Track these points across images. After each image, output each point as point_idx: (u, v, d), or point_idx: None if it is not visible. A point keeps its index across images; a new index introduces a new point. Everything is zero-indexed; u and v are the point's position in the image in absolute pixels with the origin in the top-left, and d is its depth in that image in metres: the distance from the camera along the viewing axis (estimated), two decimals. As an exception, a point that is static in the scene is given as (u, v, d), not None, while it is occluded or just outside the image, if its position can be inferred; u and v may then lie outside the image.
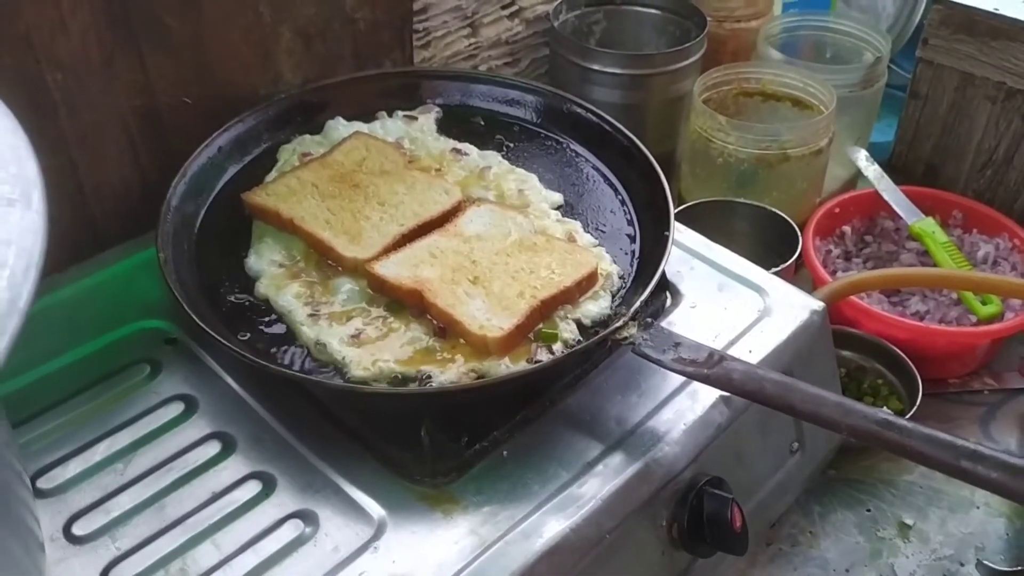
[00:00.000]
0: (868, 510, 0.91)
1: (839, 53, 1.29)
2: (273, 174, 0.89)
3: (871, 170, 1.17)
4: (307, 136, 0.93)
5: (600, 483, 0.68)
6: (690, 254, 0.89)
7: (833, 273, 1.09)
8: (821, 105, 1.12)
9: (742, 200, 1.08)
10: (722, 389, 0.69)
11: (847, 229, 1.15)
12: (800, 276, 1.07)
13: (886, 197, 1.14)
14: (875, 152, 1.24)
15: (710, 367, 0.68)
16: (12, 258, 0.36)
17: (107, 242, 0.88)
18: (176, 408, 0.75)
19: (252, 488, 0.69)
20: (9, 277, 0.35)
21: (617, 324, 0.72)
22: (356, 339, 0.74)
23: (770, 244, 1.06)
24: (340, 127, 0.94)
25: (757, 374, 0.66)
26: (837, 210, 1.14)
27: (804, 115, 1.15)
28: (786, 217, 1.05)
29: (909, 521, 0.91)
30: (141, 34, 0.84)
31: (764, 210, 1.07)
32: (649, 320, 0.73)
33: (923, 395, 0.97)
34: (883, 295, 1.08)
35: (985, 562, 0.86)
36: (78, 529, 0.66)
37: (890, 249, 1.15)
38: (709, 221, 1.02)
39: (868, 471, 0.95)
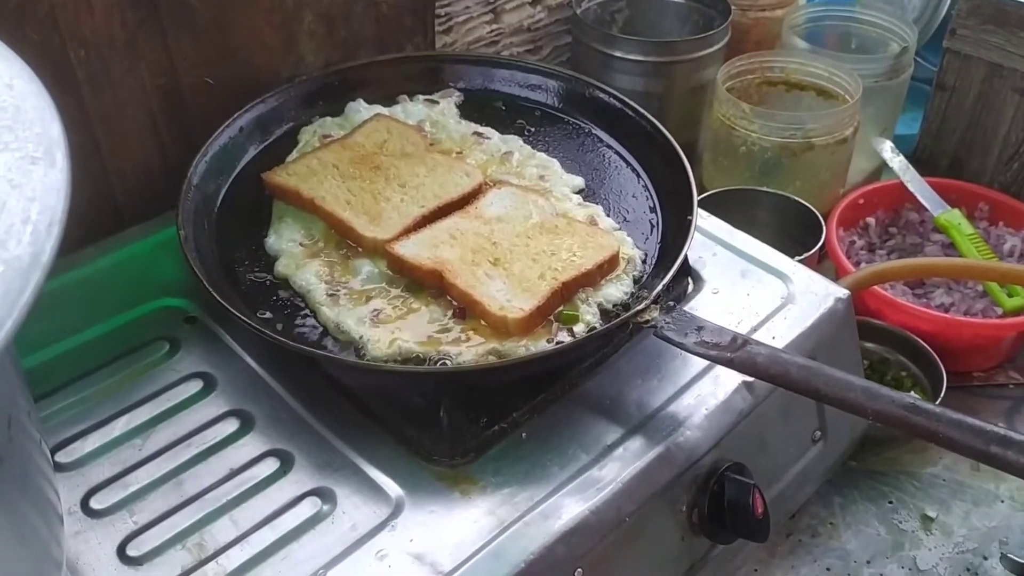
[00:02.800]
0: (890, 502, 0.90)
1: (864, 44, 1.28)
2: (294, 155, 0.89)
3: (896, 161, 1.16)
4: (328, 118, 0.93)
5: (620, 466, 0.68)
6: (713, 240, 0.88)
7: (857, 264, 1.08)
8: (846, 94, 1.11)
9: (765, 189, 1.07)
10: (746, 373, 0.68)
11: (871, 220, 1.14)
12: (823, 267, 1.05)
13: (911, 188, 1.13)
14: (899, 145, 1.22)
15: (733, 351, 0.67)
16: (35, 214, 0.36)
17: (128, 221, 0.88)
18: (195, 385, 0.75)
19: (270, 465, 0.69)
20: (32, 233, 0.35)
21: (639, 307, 0.72)
22: (375, 319, 0.74)
23: (793, 234, 1.05)
24: (361, 110, 0.94)
25: (782, 358, 0.65)
26: (861, 201, 1.13)
27: (828, 104, 1.14)
28: (810, 206, 1.04)
29: (932, 514, 0.89)
30: (165, 14, 0.84)
31: (787, 199, 1.06)
32: (671, 303, 0.73)
33: (947, 388, 0.95)
34: (907, 286, 1.07)
35: (1009, 555, 0.84)
36: (96, 503, 0.66)
37: (915, 241, 1.13)
38: (731, 210, 1.00)
39: (890, 463, 0.93)
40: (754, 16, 1.23)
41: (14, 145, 0.38)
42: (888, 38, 1.24)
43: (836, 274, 1.06)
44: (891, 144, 1.19)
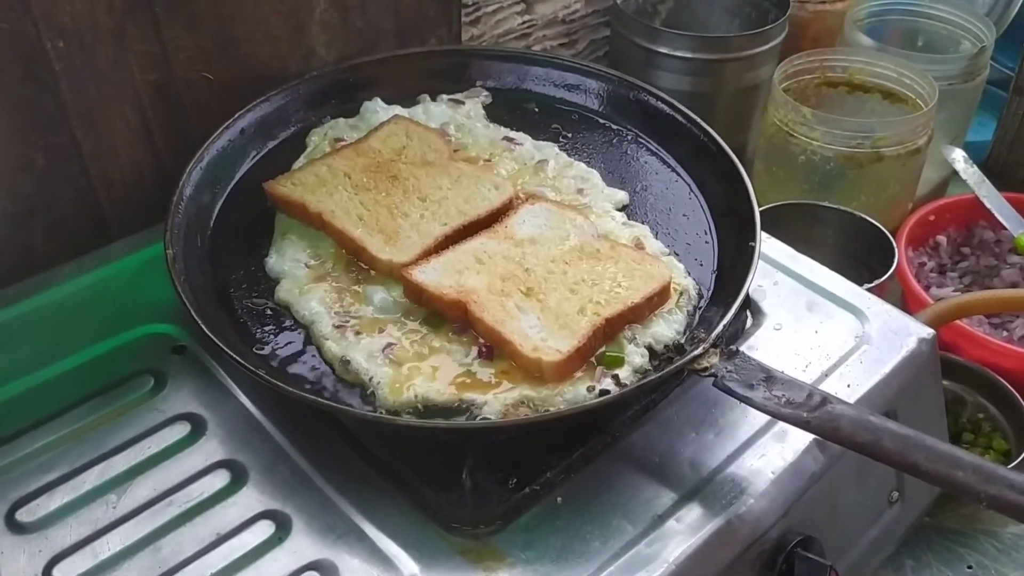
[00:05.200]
0: (969, 567, 0.80)
1: (932, 41, 1.17)
2: (301, 161, 0.81)
3: (970, 173, 1.05)
4: (341, 119, 0.85)
5: (673, 543, 0.58)
6: (773, 266, 0.79)
7: (927, 289, 0.97)
8: (918, 99, 1.00)
9: (826, 204, 0.96)
10: (825, 438, 0.58)
11: (942, 239, 1.03)
12: (887, 291, 0.94)
13: (987, 204, 1.02)
14: (968, 153, 1.11)
15: (811, 410, 0.57)
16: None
17: (116, 233, 0.81)
18: (181, 429, 0.66)
19: (264, 530, 0.60)
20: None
21: (695, 351, 0.62)
22: (387, 357, 0.64)
23: (857, 254, 0.94)
24: (378, 110, 0.85)
25: (872, 423, 0.54)
26: (932, 217, 1.02)
27: (895, 109, 1.03)
28: (878, 225, 0.93)
29: (1016, 580, 0.79)
30: (158, 0, 0.76)
31: (851, 216, 0.95)
32: (733, 348, 0.62)
33: (1032, 434, 0.85)
34: (983, 316, 0.96)
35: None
36: (60, 574, 0.57)
37: (990, 263, 1.02)
38: (787, 226, 0.90)
39: (968, 520, 0.83)
40: (813, 9, 1.12)
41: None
42: (959, 36, 1.13)
43: (903, 300, 0.95)
44: (963, 154, 1.07)
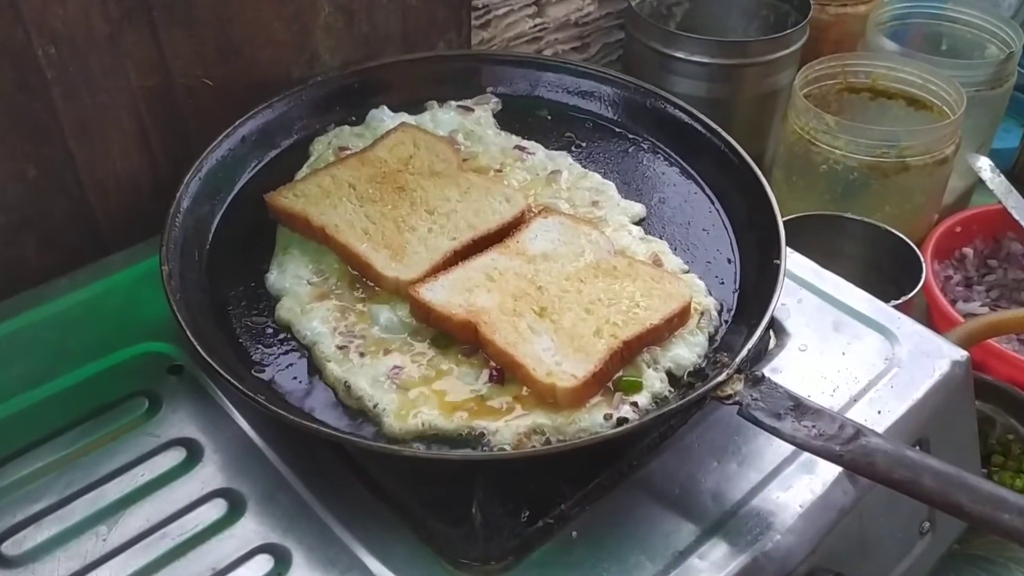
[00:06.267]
0: (1000, 597, 0.76)
1: (956, 45, 1.13)
2: (304, 171, 0.78)
3: (997, 182, 1.01)
4: (346, 127, 0.83)
5: (696, 582, 0.54)
6: (796, 283, 0.75)
7: (953, 303, 0.93)
8: (944, 106, 0.97)
9: (850, 215, 0.92)
10: (860, 474, 0.54)
11: (968, 251, 1.00)
12: (912, 306, 0.91)
13: (1015, 215, 0.99)
14: (994, 161, 1.07)
15: (843, 443, 0.54)
16: None
17: (111, 246, 0.78)
18: (176, 455, 0.63)
19: (262, 565, 0.58)
20: None
21: (719, 378, 0.59)
22: (393, 381, 0.61)
23: (881, 268, 0.91)
24: (385, 118, 0.83)
25: (910, 460, 0.51)
26: (958, 229, 0.99)
27: (920, 116, 0.99)
28: (904, 237, 0.90)
29: (1049, 612, 0.75)
30: (156, 3, 0.74)
31: (875, 228, 0.92)
32: (759, 374, 0.59)
33: (1065, 457, 0.81)
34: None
35: None
36: (46, 612, 0.54)
37: (1018, 276, 0.99)
38: (809, 238, 0.87)
39: (998, 548, 0.80)
40: (834, 12, 1.09)
41: None
42: (985, 40, 1.10)
43: (928, 315, 0.92)
44: (990, 162, 1.04)
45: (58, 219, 0.74)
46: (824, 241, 0.91)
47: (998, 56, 1.05)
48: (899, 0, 1.14)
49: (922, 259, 0.87)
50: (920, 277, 0.85)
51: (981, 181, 1.05)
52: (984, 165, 1.04)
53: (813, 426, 0.55)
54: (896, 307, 0.74)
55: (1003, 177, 1.03)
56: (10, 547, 0.57)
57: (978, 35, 1.11)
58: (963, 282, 0.99)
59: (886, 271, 0.90)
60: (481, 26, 0.97)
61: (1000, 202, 1.01)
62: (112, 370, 0.68)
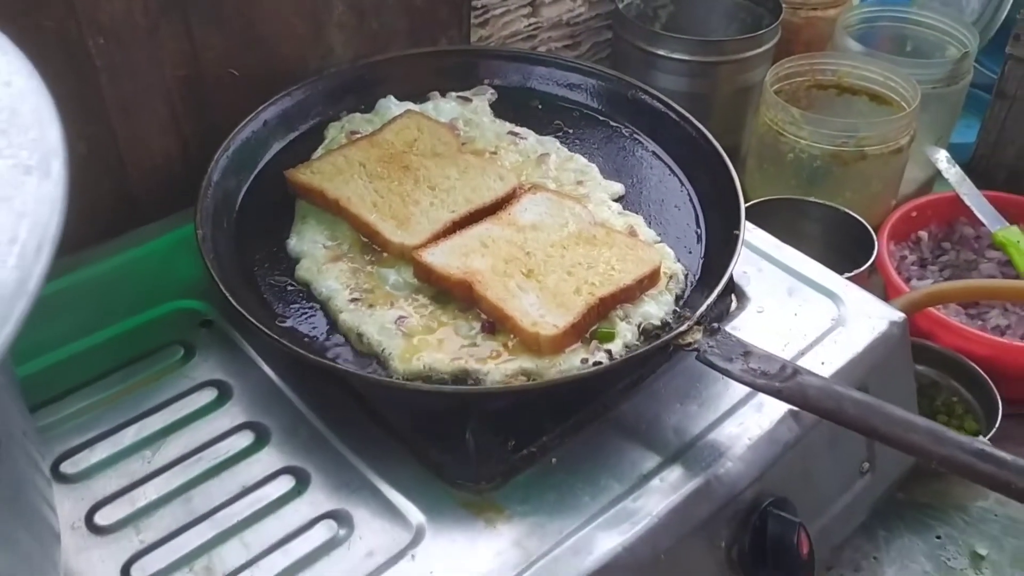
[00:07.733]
0: (938, 537, 0.85)
1: (920, 47, 1.22)
2: (320, 151, 0.85)
3: (952, 172, 1.10)
4: (357, 114, 0.90)
5: (656, 499, 0.63)
6: (758, 254, 0.83)
7: (907, 281, 1.02)
8: (902, 101, 1.05)
9: (813, 199, 1.01)
10: (795, 405, 0.63)
11: (924, 234, 1.08)
12: (871, 282, 1.00)
13: (968, 202, 1.07)
14: (954, 154, 1.16)
15: (783, 380, 0.62)
16: (24, 232, 0.31)
17: (146, 217, 0.85)
18: (209, 394, 0.71)
19: (285, 483, 0.65)
20: (19, 254, 0.30)
21: (681, 328, 0.67)
22: (399, 328, 0.69)
23: (842, 247, 0.99)
24: (392, 106, 0.90)
25: (836, 392, 0.60)
26: (914, 214, 1.07)
27: (882, 111, 1.08)
28: (860, 219, 0.99)
29: (982, 551, 0.84)
30: (189, 2, 0.81)
31: (836, 211, 1.00)
32: (715, 325, 0.68)
33: (1002, 416, 0.90)
34: (960, 306, 1.01)
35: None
36: (101, 519, 0.63)
37: (969, 257, 1.07)
38: (776, 220, 0.95)
39: (940, 495, 0.88)
40: (805, 15, 1.18)
41: (7, 152, 0.34)
42: (946, 42, 1.18)
43: (885, 291, 1.00)
44: (947, 154, 1.12)
45: (102, 192, 0.82)
46: (789, 223, 0.99)
47: (955, 56, 1.13)
48: (867, 4, 1.23)
49: (874, 237, 0.96)
50: (873, 254, 0.94)
51: (940, 172, 1.14)
52: (941, 157, 1.12)
53: (758, 368, 0.64)
54: (849, 279, 0.83)
55: (957, 167, 1.11)
56: (68, 466, 0.65)
57: (940, 37, 1.19)
58: (918, 262, 1.07)
59: (845, 250, 0.98)
60: (480, 24, 1.05)
61: (955, 190, 1.09)
62: (150, 323, 0.76)
